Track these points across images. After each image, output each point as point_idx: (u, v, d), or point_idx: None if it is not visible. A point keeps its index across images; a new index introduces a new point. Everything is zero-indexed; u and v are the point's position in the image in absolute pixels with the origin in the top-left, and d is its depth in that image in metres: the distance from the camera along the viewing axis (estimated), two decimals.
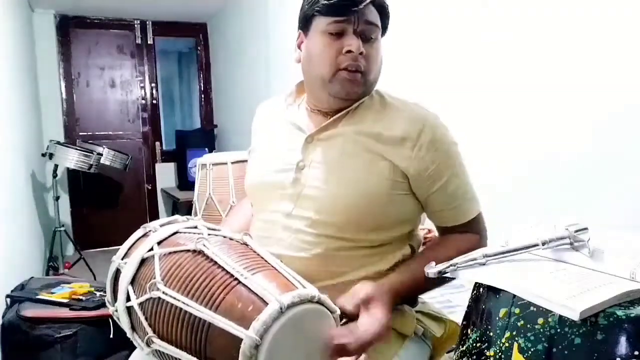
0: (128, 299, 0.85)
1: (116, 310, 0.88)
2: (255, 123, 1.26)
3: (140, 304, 0.82)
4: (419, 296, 1.14)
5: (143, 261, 0.86)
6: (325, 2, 1.00)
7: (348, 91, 1.02)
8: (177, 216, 0.98)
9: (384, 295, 0.92)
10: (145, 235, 0.92)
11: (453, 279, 0.87)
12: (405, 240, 1.08)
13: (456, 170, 1.04)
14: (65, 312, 2.06)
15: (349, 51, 0.99)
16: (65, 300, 2.14)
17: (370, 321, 0.88)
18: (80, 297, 2.16)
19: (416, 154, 1.00)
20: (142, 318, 0.81)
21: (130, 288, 0.84)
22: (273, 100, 1.24)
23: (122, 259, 0.90)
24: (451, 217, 1.06)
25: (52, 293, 2.21)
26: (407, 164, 1.00)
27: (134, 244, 0.92)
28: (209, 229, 0.92)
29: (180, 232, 0.90)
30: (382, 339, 0.87)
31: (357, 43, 0.99)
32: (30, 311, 2.03)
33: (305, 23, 1.07)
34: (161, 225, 0.93)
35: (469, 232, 1.07)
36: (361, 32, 1.01)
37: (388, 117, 1.04)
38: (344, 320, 0.88)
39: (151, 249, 0.86)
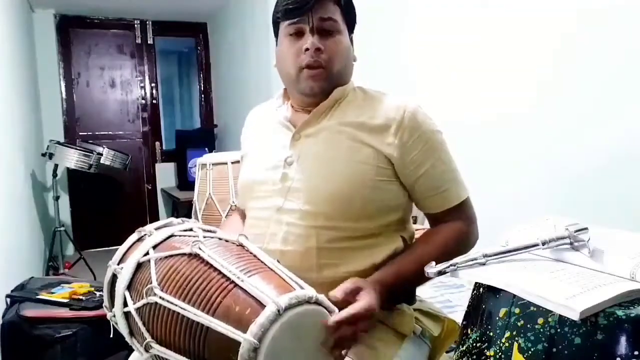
0: (125, 304, 0.84)
1: (114, 316, 0.88)
2: (245, 129, 1.29)
3: (138, 309, 0.82)
4: (417, 294, 1.14)
5: (139, 266, 0.86)
6: (283, 7, 1.07)
7: (312, 87, 1.07)
8: (172, 219, 0.97)
9: (371, 286, 0.93)
10: (140, 239, 0.92)
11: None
12: (396, 232, 1.09)
13: (440, 155, 1.06)
14: (65, 312, 2.06)
15: (307, 49, 1.05)
16: (65, 300, 2.14)
17: (355, 303, 0.88)
18: (80, 297, 2.17)
19: (399, 140, 1.03)
20: (140, 323, 0.81)
21: (127, 293, 0.84)
22: (262, 105, 1.29)
23: (118, 264, 0.89)
24: (439, 202, 1.08)
25: (52, 293, 2.22)
26: (391, 150, 1.03)
27: (129, 248, 0.92)
28: (204, 231, 0.91)
29: (175, 236, 0.90)
30: (364, 315, 0.86)
31: (312, 40, 1.05)
32: (30, 311, 2.04)
33: (275, 30, 1.15)
34: (156, 229, 0.93)
35: (458, 219, 1.08)
36: (318, 28, 1.06)
37: (370, 108, 1.08)
38: None
39: (147, 254, 0.86)
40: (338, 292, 0.90)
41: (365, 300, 0.88)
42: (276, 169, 1.08)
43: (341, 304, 0.88)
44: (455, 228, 1.07)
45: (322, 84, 1.07)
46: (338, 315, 0.81)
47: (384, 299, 0.95)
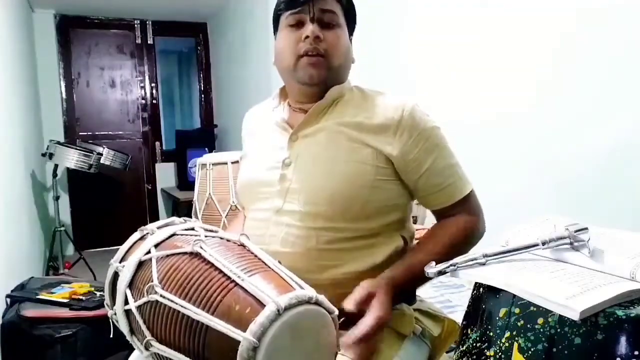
0: (126, 302, 0.84)
1: (115, 314, 0.88)
2: (244, 130, 1.29)
3: (139, 307, 0.82)
4: (417, 294, 1.14)
5: (140, 264, 0.86)
6: None
7: (311, 74, 1.06)
8: (174, 218, 0.97)
9: (381, 288, 0.93)
10: (142, 238, 0.92)
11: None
12: (396, 231, 1.09)
13: (441, 151, 1.06)
14: (65, 312, 2.07)
15: (307, 37, 1.05)
16: (65, 300, 2.14)
17: (366, 318, 0.89)
18: (80, 297, 2.17)
19: (398, 139, 1.03)
20: (141, 321, 0.81)
21: (128, 291, 0.84)
22: (259, 105, 1.28)
23: (119, 262, 0.89)
24: (442, 198, 1.08)
25: (52, 293, 2.22)
26: (391, 150, 1.03)
27: (131, 247, 0.92)
28: (206, 230, 0.91)
29: (177, 235, 0.90)
30: (377, 328, 0.88)
31: (312, 28, 1.05)
32: (30, 311, 2.04)
33: (275, 26, 1.15)
34: (158, 228, 0.93)
35: (463, 213, 1.08)
36: (318, 19, 1.06)
37: (369, 107, 1.08)
38: (342, 319, 0.88)
39: (148, 252, 0.86)
40: (351, 304, 0.90)
41: (374, 314, 0.89)
42: (274, 171, 1.08)
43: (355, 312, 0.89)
44: (461, 221, 1.07)
45: (321, 72, 1.06)
46: (350, 338, 0.83)
47: (395, 297, 0.96)
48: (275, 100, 1.20)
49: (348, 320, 0.90)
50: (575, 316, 0.64)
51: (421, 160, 1.04)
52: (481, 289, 0.83)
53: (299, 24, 1.07)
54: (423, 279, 1.02)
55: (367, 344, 0.86)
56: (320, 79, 1.06)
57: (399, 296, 0.98)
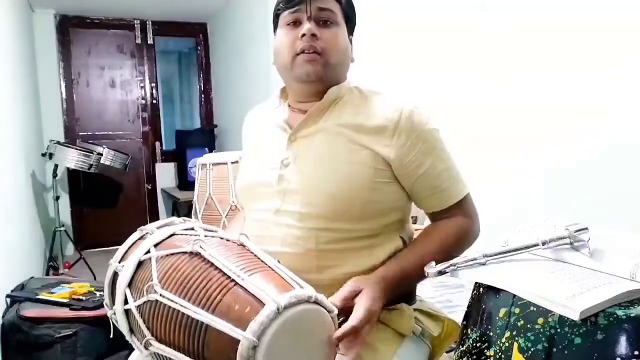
0: (126, 301, 0.84)
1: (114, 313, 0.88)
2: (244, 130, 1.29)
3: (138, 307, 0.82)
4: (417, 294, 1.14)
5: (140, 264, 0.86)
6: None
7: (307, 71, 1.06)
8: (173, 218, 0.98)
9: (371, 285, 0.93)
10: (142, 237, 0.92)
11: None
12: (395, 232, 1.09)
13: (439, 154, 1.06)
14: (65, 312, 2.07)
15: (304, 35, 1.05)
16: (65, 300, 2.14)
17: (355, 311, 0.89)
18: (80, 297, 2.17)
19: (396, 141, 1.03)
20: (140, 321, 0.81)
21: (127, 291, 0.84)
22: (260, 106, 1.28)
23: (119, 262, 0.90)
24: (439, 201, 1.08)
25: (52, 293, 2.22)
26: (388, 152, 1.03)
27: (130, 246, 0.92)
28: (205, 230, 0.91)
29: (177, 234, 0.90)
30: (365, 325, 0.87)
31: (309, 26, 1.05)
32: (30, 311, 2.04)
33: (275, 25, 1.15)
34: (158, 228, 0.93)
35: (458, 215, 1.08)
36: (315, 18, 1.07)
37: (367, 108, 1.07)
38: (341, 318, 0.88)
39: (148, 252, 0.86)
40: (336, 300, 0.90)
41: (363, 307, 0.88)
42: (273, 171, 1.08)
43: (343, 308, 0.89)
44: (455, 224, 1.07)
45: (318, 69, 1.06)
46: (339, 332, 0.82)
47: (389, 295, 0.96)
48: (275, 101, 1.19)
49: (347, 319, 0.90)
50: (575, 316, 0.64)
51: (418, 162, 1.04)
52: (481, 289, 0.83)
53: (296, 23, 1.07)
54: (415, 278, 1.03)
55: (358, 337, 0.86)
56: (317, 76, 1.06)
57: (392, 295, 0.98)
